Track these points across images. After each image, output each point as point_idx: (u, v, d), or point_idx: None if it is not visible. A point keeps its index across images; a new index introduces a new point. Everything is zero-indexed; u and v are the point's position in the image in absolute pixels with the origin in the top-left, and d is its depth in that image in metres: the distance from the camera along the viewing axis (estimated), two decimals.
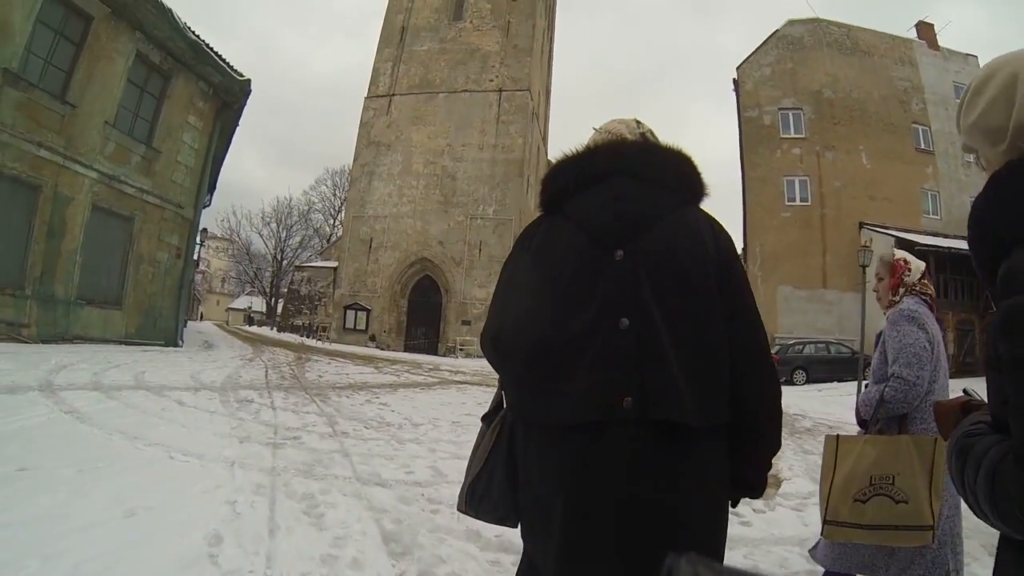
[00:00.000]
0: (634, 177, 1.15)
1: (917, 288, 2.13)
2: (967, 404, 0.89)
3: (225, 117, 16.53)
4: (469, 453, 1.30)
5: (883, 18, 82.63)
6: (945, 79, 27.47)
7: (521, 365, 1.12)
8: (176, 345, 14.24)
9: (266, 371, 10.35)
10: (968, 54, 28.70)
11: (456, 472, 3.78)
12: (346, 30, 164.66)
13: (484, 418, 1.30)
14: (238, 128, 18.09)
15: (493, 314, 1.23)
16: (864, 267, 10.84)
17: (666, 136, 1.28)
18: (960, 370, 18.02)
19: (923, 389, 1.92)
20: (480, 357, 22.92)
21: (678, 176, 1.18)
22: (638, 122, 1.30)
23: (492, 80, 24.92)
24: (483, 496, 1.22)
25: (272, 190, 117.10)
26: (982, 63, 0.93)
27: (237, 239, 47.46)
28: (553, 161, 1.27)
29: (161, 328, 14.05)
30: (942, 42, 29.14)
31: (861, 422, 2.12)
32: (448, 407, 7.49)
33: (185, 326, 24.91)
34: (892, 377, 1.95)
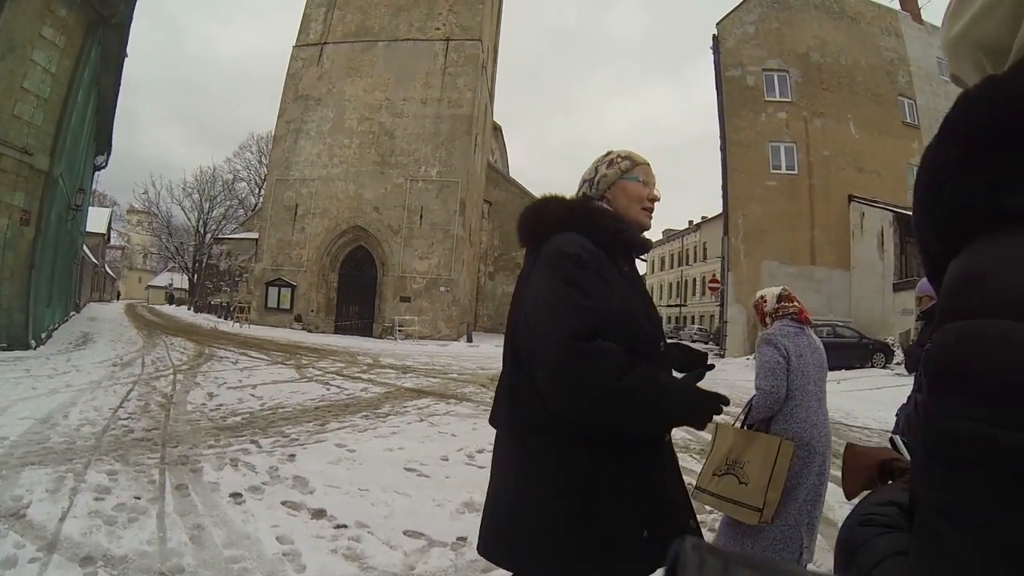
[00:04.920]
0: None
1: (779, 312, 2.49)
2: (886, 465, 0.73)
3: (106, 39, 12.72)
4: None
5: None
6: (929, 54, 26.17)
7: None
8: (26, 347, 10.18)
9: (126, 395, 6.56)
10: None
11: None
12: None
13: None
14: (126, 58, 14.70)
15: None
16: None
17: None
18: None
19: (780, 396, 2.30)
20: (422, 340, 20.58)
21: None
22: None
23: (439, 28, 21.74)
24: None
25: (196, 165, 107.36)
26: None
27: (157, 212, 43.41)
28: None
29: (1, 325, 10.04)
30: (925, 17, 28.00)
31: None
32: (427, 486, 3.98)
33: (73, 313, 20.68)
34: (756, 389, 2.35)
